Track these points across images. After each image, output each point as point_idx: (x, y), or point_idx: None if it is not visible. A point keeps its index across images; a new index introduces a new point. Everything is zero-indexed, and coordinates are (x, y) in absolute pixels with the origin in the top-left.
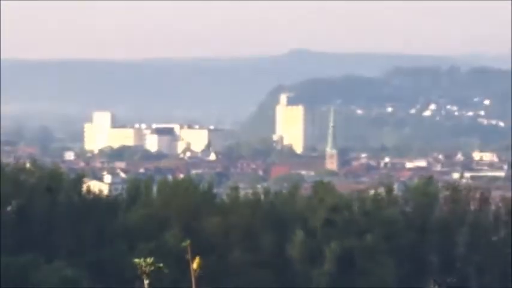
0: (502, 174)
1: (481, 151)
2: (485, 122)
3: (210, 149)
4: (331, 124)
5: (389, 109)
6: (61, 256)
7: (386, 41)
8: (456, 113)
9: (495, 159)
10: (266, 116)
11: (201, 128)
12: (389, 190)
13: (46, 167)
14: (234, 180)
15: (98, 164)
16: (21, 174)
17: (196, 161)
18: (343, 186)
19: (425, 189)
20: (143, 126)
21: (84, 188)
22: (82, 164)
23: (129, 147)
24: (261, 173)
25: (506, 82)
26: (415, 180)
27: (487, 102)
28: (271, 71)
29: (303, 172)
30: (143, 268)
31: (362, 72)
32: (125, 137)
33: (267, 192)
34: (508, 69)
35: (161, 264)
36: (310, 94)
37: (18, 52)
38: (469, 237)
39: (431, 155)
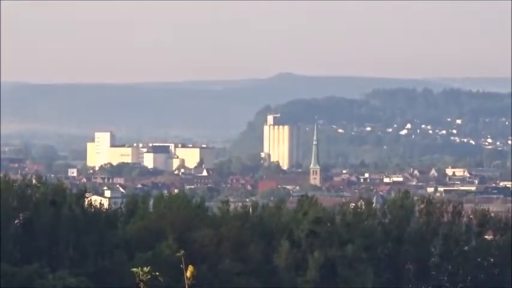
0: (473, 188)
1: (453, 167)
2: (457, 140)
3: (203, 165)
4: (314, 142)
5: (368, 128)
6: (64, 265)
7: (365, 65)
8: (430, 132)
9: (466, 174)
10: (254, 135)
11: (194, 146)
12: (368, 203)
13: (51, 182)
14: (225, 194)
15: (98, 180)
16: (27, 189)
17: (190, 177)
18: (326, 200)
19: (402, 202)
20: (140, 145)
21: (86, 202)
22: (84, 179)
23: (127, 164)
24: (249, 187)
25: (476, 103)
26: (393, 194)
27: (458, 121)
28: (259, 93)
29: (289, 187)
30: (141, 276)
31: (343, 94)
32: (123, 155)
33: (255, 205)
34: (477, 91)
35: (157, 273)
36: (295, 115)
37: (26, 77)
38: (442, 247)
39: (408, 171)
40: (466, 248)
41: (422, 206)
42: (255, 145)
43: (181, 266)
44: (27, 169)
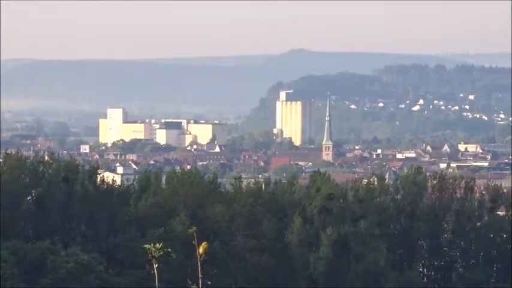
0: (485, 164)
1: (466, 143)
2: (469, 115)
3: (215, 142)
4: (327, 118)
5: (381, 104)
6: (77, 242)
7: (377, 41)
8: (443, 108)
9: (479, 150)
10: (267, 111)
11: (206, 122)
12: (381, 179)
13: (63, 159)
14: (237, 170)
15: (111, 156)
16: (40, 165)
17: (202, 153)
18: (339, 176)
19: (414, 178)
20: (153, 121)
21: (98, 178)
22: (96, 156)
23: (140, 140)
24: (262, 164)
25: (489, 78)
26: (405, 170)
27: (471, 97)
28: (272, 69)
29: (301, 163)
30: (153, 253)
31: (355, 70)
32: (136, 131)
33: (267, 182)
34: (490, 67)
35: (170, 249)
36: (308, 91)
37: (38, 53)
38: (455, 223)
39: (420, 147)
40: (478, 224)
41: (434, 182)
42: (268, 121)
43: (193, 242)
44: (39, 146)
